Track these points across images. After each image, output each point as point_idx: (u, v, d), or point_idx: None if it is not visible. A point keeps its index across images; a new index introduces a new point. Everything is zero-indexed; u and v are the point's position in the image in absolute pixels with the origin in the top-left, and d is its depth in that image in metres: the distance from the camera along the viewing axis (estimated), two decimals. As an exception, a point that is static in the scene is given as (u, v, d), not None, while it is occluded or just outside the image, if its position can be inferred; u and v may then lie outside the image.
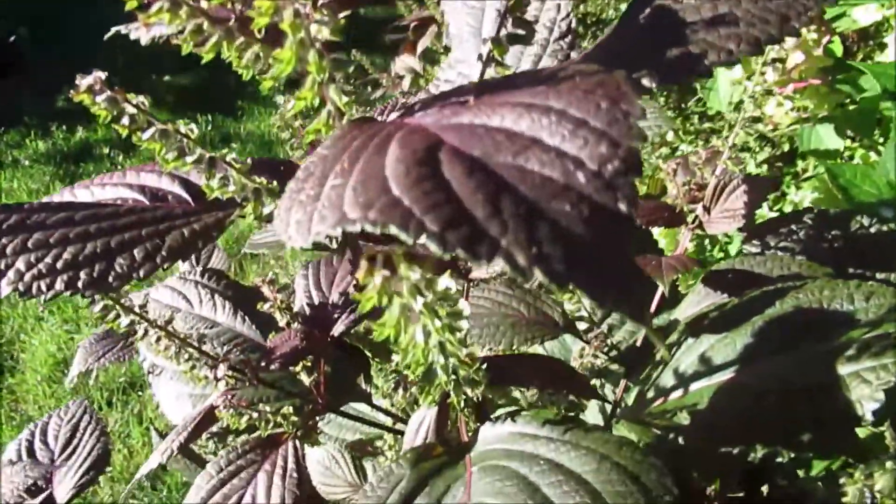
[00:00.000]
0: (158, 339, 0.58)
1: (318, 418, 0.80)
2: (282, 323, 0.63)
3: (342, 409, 0.80)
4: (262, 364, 0.59)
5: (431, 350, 0.32)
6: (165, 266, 0.37)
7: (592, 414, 0.75)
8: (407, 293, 0.27)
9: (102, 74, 0.36)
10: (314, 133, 0.35)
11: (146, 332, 0.57)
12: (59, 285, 0.36)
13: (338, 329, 0.63)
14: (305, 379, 0.62)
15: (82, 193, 0.45)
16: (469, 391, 0.41)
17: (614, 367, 0.75)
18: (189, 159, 0.39)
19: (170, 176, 0.46)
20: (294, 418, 0.58)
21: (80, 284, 0.36)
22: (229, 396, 0.57)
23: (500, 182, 0.22)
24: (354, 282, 0.32)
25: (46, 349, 2.41)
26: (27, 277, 0.36)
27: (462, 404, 0.40)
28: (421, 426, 0.44)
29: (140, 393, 2.22)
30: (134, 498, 1.91)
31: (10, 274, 0.36)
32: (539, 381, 0.49)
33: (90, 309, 0.55)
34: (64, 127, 3.64)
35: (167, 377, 0.68)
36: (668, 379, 0.54)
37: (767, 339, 0.50)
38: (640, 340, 0.71)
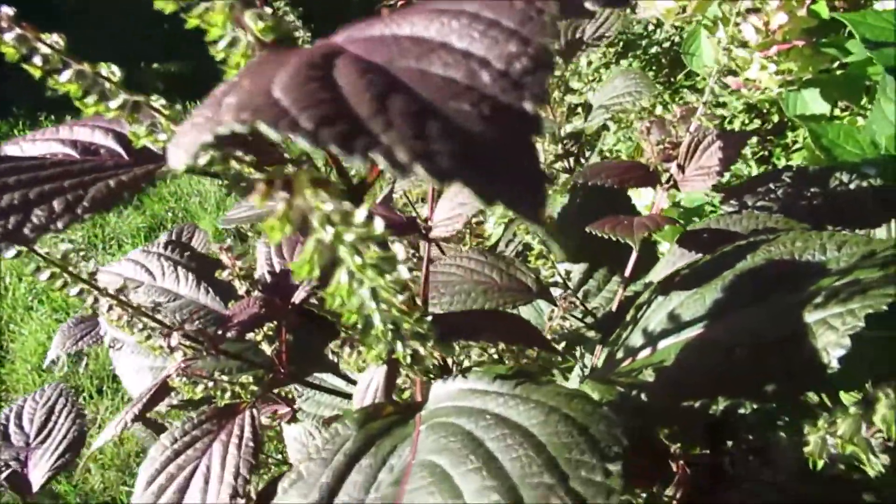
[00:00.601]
0: (110, 308, 0.56)
1: (285, 390, 0.78)
2: (241, 291, 0.61)
3: (319, 384, 0.78)
4: (220, 332, 0.56)
5: (359, 294, 0.30)
6: (86, 217, 0.35)
7: (574, 385, 0.73)
8: (317, 223, 0.24)
9: (10, 10, 0.33)
10: (235, 68, 0.33)
11: (96, 300, 0.54)
12: (-30, 238, 0.34)
13: (299, 296, 0.61)
14: (267, 348, 0.60)
15: (11, 149, 0.43)
16: (419, 347, 0.39)
17: (591, 334, 0.73)
18: (112, 104, 0.37)
19: (103, 130, 0.43)
20: (253, 388, 0.56)
21: (-7, 236, 0.34)
22: (184, 366, 0.54)
23: (394, 83, 0.20)
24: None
25: (36, 338, 2.40)
26: (-64, 231, 0.34)
27: (409, 360, 0.38)
28: (370, 386, 0.42)
29: (131, 381, 2.20)
30: (125, 485, 1.89)
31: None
32: (496, 335, 0.46)
33: (36, 274, 0.53)
34: (52, 117, 3.61)
35: (128, 351, 0.66)
36: (637, 338, 0.52)
37: (738, 292, 0.48)
38: (615, 305, 0.69)
